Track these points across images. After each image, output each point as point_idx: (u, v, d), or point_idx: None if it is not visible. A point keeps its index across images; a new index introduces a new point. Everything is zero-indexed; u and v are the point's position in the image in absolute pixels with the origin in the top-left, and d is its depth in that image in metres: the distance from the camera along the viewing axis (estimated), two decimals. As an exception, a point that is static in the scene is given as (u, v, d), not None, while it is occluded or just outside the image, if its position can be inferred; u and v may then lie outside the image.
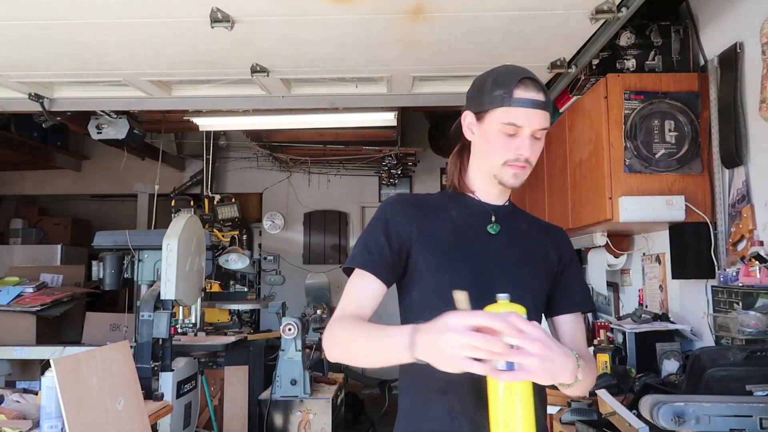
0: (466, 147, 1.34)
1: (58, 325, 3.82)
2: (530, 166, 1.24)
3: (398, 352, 1.01)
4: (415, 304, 1.25)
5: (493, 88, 1.21)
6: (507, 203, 1.33)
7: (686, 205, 2.40)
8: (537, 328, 0.97)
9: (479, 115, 1.24)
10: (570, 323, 1.31)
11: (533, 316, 1.22)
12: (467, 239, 1.26)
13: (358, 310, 1.19)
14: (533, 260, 1.29)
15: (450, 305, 1.08)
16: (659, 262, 2.85)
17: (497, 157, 1.22)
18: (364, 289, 1.21)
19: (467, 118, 1.28)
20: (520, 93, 1.18)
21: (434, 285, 1.22)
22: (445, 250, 1.23)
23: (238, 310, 4.84)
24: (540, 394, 1.23)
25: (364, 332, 1.10)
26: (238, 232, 5.67)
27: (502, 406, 1.00)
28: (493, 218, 1.28)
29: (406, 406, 1.25)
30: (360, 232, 7.02)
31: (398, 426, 1.26)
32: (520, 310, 1.00)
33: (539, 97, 1.19)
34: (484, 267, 1.22)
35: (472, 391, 1.14)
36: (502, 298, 1.01)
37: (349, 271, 1.25)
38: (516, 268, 1.25)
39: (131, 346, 2.43)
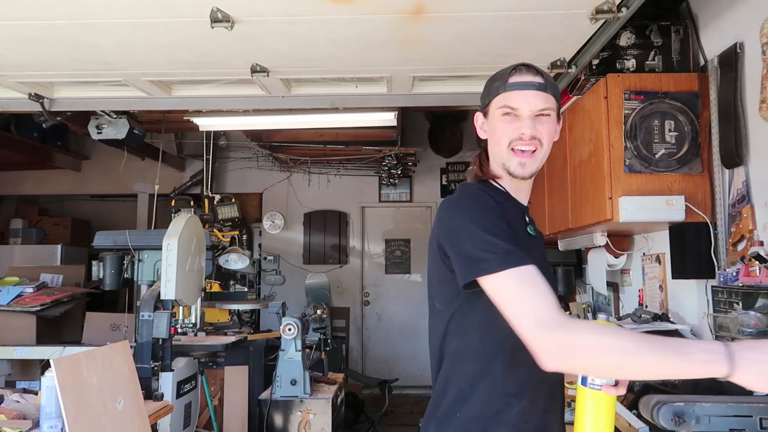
0: (483, 150, 1.37)
1: (58, 325, 3.82)
2: (541, 147, 1.23)
3: (704, 370, 0.92)
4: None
5: (491, 82, 1.28)
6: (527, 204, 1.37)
7: (686, 205, 2.40)
8: None
9: (485, 112, 1.30)
10: None
11: None
12: (526, 239, 1.27)
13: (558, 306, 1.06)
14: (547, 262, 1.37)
15: None
16: (659, 262, 2.85)
17: (503, 141, 1.24)
18: (544, 283, 1.07)
19: (478, 120, 1.33)
20: (515, 78, 1.23)
21: None
22: (524, 250, 1.13)
23: (238, 310, 4.83)
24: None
25: (652, 345, 0.95)
26: (238, 232, 5.66)
27: (603, 417, 1.07)
28: (527, 218, 1.31)
29: (479, 409, 1.17)
30: (360, 232, 7.01)
31: (470, 428, 1.17)
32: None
33: (535, 79, 1.22)
34: (540, 269, 1.18)
35: (544, 394, 1.20)
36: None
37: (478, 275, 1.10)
38: (547, 271, 1.28)
39: (131, 346, 2.43)
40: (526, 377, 1.15)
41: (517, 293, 1.04)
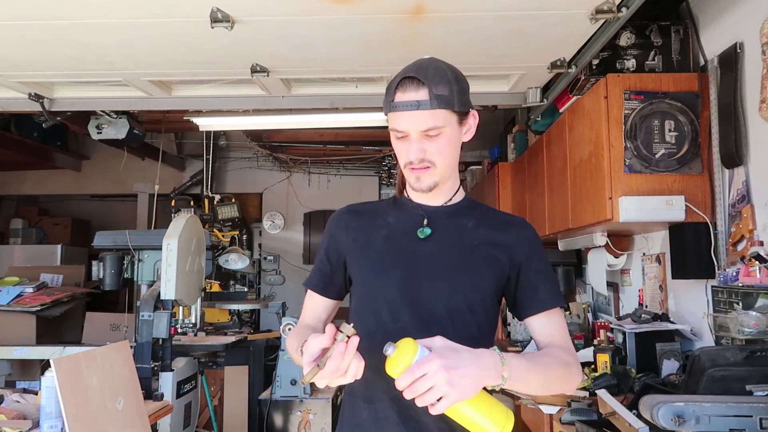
0: None
1: (58, 325, 3.82)
2: (434, 167, 1.19)
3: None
4: (354, 311, 1.29)
5: (386, 94, 1.21)
6: (453, 201, 1.30)
7: (686, 205, 2.40)
8: (431, 359, 0.98)
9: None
10: (541, 324, 1.26)
11: (470, 319, 1.21)
12: (397, 245, 1.26)
13: (313, 321, 1.35)
14: (472, 262, 1.23)
15: (378, 313, 1.20)
16: (659, 262, 2.85)
17: (400, 160, 1.23)
18: (314, 306, 1.36)
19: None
20: (399, 96, 1.17)
21: (366, 292, 1.26)
22: (375, 259, 1.26)
23: (238, 310, 4.84)
24: None
25: (294, 343, 1.22)
26: (238, 232, 5.67)
27: (461, 420, 1.03)
28: (425, 221, 1.26)
29: (342, 415, 1.30)
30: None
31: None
32: (407, 348, 1.00)
33: (419, 96, 1.15)
34: (412, 273, 1.22)
35: (393, 399, 1.16)
36: (389, 352, 1.00)
37: None
38: (446, 272, 1.22)
39: (131, 346, 2.43)
40: (375, 384, 1.17)
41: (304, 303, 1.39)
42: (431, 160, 1.19)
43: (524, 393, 1.14)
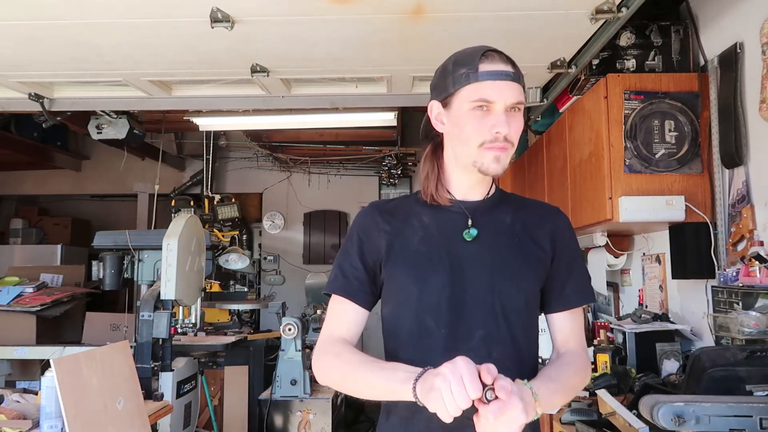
0: (439, 146, 1.26)
1: (58, 325, 3.82)
2: (512, 147, 1.13)
3: (400, 387, 1.01)
4: (390, 318, 1.21)
5: (455, 68, 1.13)
6: (491, 195, 1.23)
7: (686, 205, 2.40)
8: (517, 403, 0.93)
9: (446, 101, 1.16)
10: (562, 322, 1.22)
11: (514, 323, 1.15)
12: (439, 249, 1.18)
13: (347, 334, 1.20)
14: (514, 262, 1.18)
15: (422, 319, 1.12)
16: (659, 262, 2.85)
17: (473, 138, 1.11)
18: (345, 315, 1.21)
19: (434, 110, 1.20)
20: (486, 66, 1.10)
21: (405, 299, 1.17)
22: (414, 263, 1.17)
23: (238, 310, 4.83)
24: None
25: (367, 366, 1.09)
26: (238, 232, 5.67)
27: None
28: (469, 222, 1.19)
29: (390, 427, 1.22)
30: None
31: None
32: None
33: (508, 68, 1.11)
34: (454, 277, 1.15)
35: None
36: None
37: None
38: (489, 275, 1.16)
39: (131, 346, 2.43)
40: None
41: (328, 312, 1.24)
42: (510, 137, 1.11)
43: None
